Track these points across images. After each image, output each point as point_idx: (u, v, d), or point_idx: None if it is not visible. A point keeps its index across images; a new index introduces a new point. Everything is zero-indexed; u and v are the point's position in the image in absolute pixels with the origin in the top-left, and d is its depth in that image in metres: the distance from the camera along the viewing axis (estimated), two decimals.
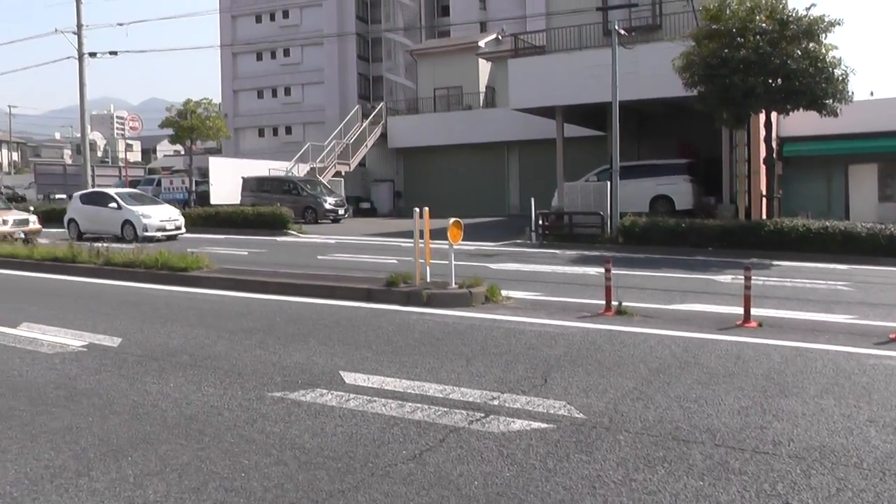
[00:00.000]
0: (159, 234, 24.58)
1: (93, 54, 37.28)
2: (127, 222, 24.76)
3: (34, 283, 14.60)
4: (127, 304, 11.56)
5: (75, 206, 26.83)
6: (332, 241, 23.40)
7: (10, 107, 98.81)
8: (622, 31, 22.83)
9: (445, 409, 5.79)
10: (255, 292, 12.22)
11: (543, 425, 5.40)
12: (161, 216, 25.18)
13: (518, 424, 5.43)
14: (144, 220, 24.50)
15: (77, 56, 36.49)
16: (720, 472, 4.55)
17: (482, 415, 5.65)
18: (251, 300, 11.60)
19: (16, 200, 45.15)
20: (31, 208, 27.45)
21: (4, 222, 22.87)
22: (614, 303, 10.12)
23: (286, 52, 63.52)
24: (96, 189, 31.37)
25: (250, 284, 12.64)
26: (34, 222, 23.97)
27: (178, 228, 25.52)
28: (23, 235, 22.15)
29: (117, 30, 37.05)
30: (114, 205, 25.34)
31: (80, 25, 36.30)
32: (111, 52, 36.88)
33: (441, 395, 6.17)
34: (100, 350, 8.22)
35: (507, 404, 5.91)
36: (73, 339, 8.77)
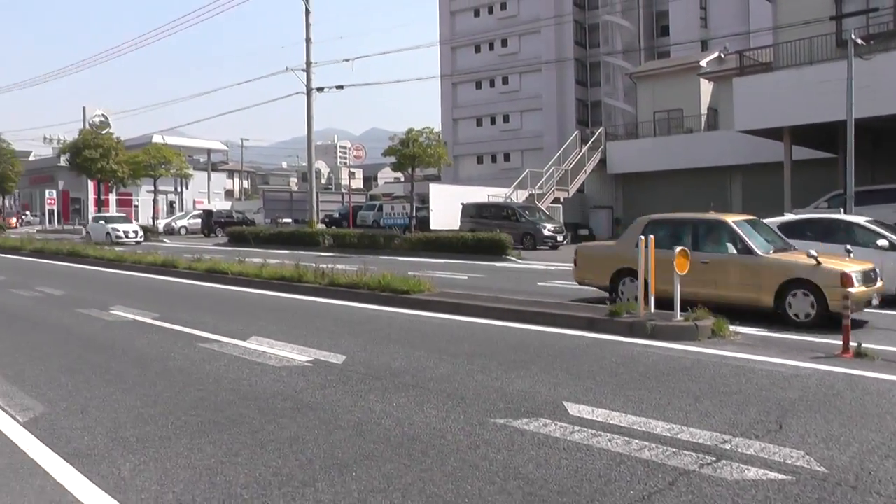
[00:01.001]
0: None
1: (320, 89, 39.57)
2: None
3: (262, 300, 15.44)
4: (350, 323, 11.98)
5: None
6: (552, 268, 23.29)
7: (242, 139, 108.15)
8: (858, 41, 21.19)
9: (674, 450, 5.51)
10: (476, 317, 12.31)
11: (781, 476, 5.00)
12: None
13: (753, 473, 5.05)
14: None
15: (305, 91, 38.82)
16: None
17: (713, 459, 5.32)
18: (472, 324, 11.70)
19: (245, 224, 48.33)
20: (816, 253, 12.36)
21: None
22: (853, 343, 9.30)
23: (505, 80, 64.66)
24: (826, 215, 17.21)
25: (471, 309, 12.73)
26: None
27: None
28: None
29: (342, 64, 39.08)
30: (883, 242, 14.00)
31: (308, 63, 38.62)
32: (337, 87, 39.03)
33: (669, 435, 5.89)
34: (325, 366, 8.53)
35: (739, 449, 5.54)
36: (298, 355, 9.17)
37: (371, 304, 14.14)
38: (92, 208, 59.28)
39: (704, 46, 52.96)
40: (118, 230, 42.11)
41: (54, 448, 5.76)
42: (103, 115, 61.38)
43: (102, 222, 43.63)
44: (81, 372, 8.51)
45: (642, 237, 11.64)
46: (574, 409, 6.63)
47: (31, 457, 5.59)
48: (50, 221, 68.97)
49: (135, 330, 11.59)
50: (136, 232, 42.81)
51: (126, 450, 5.67)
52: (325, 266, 17.28)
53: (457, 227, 34.14)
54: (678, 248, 10.74)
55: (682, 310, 10.64)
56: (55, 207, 69.92)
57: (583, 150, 42.86)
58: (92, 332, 11.49)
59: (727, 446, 5.60)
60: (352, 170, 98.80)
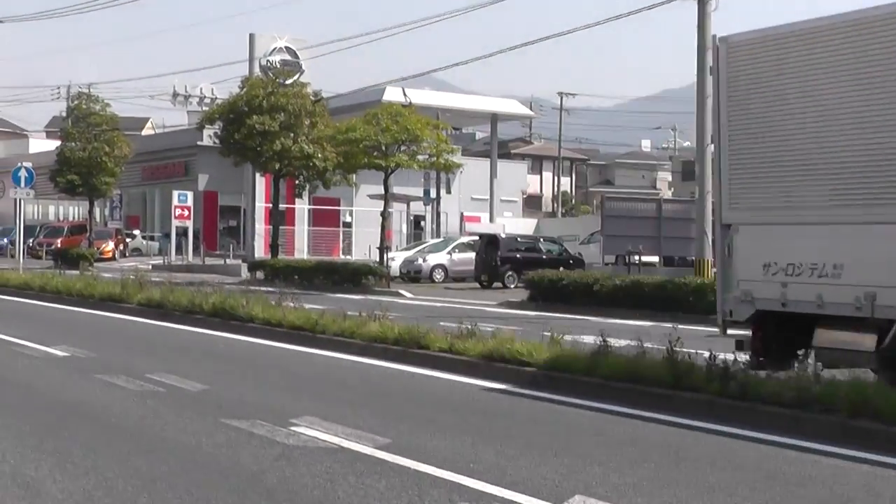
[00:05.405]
0: None
1: None
2: None
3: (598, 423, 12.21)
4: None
5: None
6: None
7: (561, 96, 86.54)
8: None
9: None
10: None
11: None
12: None
13: None
14: None
15: None
16: None
17: None
18: None
19: (563, 263, 40.85)
20: None
21: None
22: None
23: None
24: None
25: None
26: None
27: None
28: None
29: None
30: None
31: None
32: None
33: None
34: None
35: None
36: None
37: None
38: (261, 225, 50.00)
39: None
40: None
41: None
42: (288, 50, 52.23)
43: None
44: None
45: None
46: None
47: None
48: (179, 250, 56.55)
49: (341, 468, 9.27)
50: None
51: None
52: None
53: None
54: None
55: None
56: (189, 223, 56.25)
57: None
58: (257, 468, 9.31)
59: None
60: None
